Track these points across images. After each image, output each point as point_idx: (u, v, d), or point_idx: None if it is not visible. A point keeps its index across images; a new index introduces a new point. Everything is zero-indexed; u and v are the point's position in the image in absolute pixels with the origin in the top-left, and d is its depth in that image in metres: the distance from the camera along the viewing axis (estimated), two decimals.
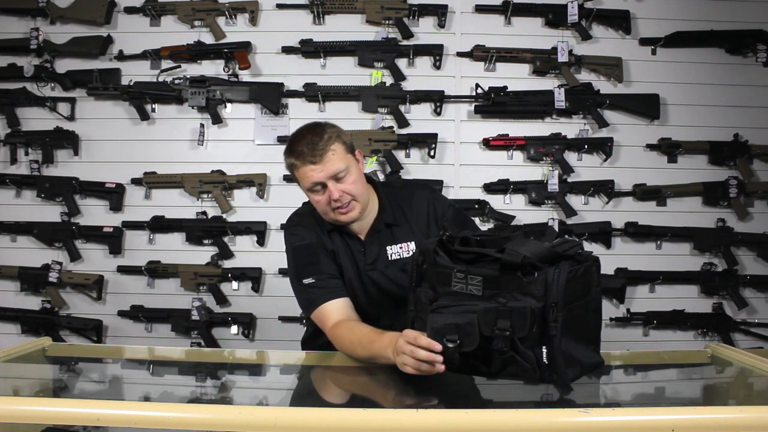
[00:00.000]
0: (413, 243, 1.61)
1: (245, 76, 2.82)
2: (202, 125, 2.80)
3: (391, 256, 1.61)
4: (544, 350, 1.14)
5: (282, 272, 2.74)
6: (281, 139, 2.76)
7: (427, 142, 2.76)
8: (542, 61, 2.80)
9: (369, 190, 1.62)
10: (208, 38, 2.82)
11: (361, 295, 1.60)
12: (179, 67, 2.81)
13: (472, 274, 1.21)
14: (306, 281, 1.55)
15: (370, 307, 1.60)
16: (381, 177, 2.73)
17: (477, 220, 2.73)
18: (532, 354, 1.15)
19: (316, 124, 1.56)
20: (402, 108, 2.78)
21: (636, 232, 2.78)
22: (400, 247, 1.61)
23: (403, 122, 2.77)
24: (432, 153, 2.76)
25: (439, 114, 2.79)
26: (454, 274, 1.22)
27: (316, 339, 1.67)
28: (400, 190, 1.71)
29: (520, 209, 2.80)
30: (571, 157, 2.81)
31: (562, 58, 2.77)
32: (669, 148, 2.81)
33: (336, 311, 1.51)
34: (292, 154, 1.52)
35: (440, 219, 1.63)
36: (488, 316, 1.13)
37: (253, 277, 2.76)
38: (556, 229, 2.74)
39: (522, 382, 1.20)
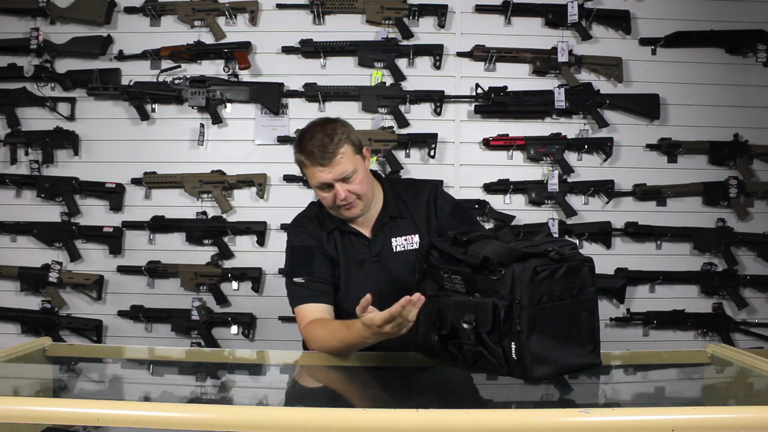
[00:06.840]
0: (417, 236, 1.66)
1: (245, 76, 2.82)
2: (202, 125, 2.80)
3: (395, 247, 1.66)
4: (513, 346, 1.18)
5: (282, 272, 2.74)
6: (281, 139, 2.76)
7: (427, 142, 2.76)
8: (542, 61, 2.80)
9: (375, 184, 1.68)
10: (208, 38, 2.82)
11: (368, 289, 1.59)
12: (179, 67, 2.81)
13: (454, 274, 1.29)
14: (296, 280, 1.61)
15: (375, 300, 1.61)
16: None
17: None
18: (500, 349, 1.20)
19: (326, 122, 1.58)
20: (402, 108, 2.77)
21: (636, 232, 2.78)
22: (405, 239, 1.66)
23: (403, 122, 2.77)
24: (432, 153, 2.76)
25: (439, 114, 2.79)
26: (442, 274, 1.32)
27: None
28: (405, 185, 1.77)
29: (520, 209, 2.80)
30: (571, 157, 2.81)
31: (562, 58, 2.77)
32: (669, 148, 2.81)
33: (314, 313, 1.56)
34: (302, 152, 1.55)
35: (439, 212, 1.68)
36: (457, 308, 1.24)
37: (253, 277, 2.76)
38: (556, 229, 2.74)
39: (500, 376, 1.24)
